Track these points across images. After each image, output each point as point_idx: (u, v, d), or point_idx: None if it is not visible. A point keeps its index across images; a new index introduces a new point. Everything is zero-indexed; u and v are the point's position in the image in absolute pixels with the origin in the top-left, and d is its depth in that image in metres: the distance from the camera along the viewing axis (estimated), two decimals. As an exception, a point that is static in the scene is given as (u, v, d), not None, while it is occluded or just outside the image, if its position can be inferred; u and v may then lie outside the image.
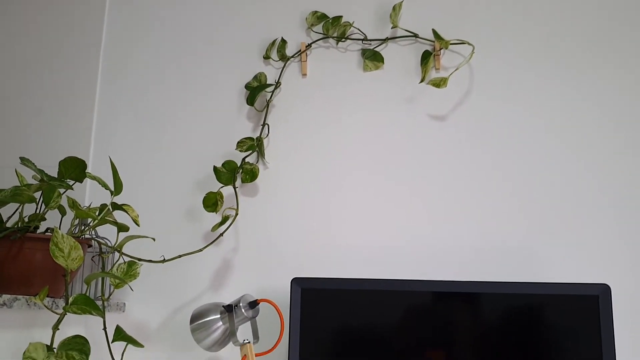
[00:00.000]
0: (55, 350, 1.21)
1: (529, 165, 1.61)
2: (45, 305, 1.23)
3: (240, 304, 1.40)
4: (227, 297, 1.68)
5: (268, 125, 1.71)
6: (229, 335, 1.44)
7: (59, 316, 1.26)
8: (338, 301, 1.43)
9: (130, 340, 1.35)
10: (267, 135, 1.71)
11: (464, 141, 1.64)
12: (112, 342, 1.34)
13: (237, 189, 1.67)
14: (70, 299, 1.23)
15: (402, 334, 1.39)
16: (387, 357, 1.38)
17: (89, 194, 1.74)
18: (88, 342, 1.19)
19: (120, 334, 1.35)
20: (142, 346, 1.36)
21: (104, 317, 1.20)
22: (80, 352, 1.18)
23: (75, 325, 1.47)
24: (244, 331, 1.61)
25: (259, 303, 1.40)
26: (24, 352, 1.20)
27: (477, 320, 1.38)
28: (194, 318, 1.44)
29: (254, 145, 1.66)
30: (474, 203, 1.61)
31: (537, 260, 1.56)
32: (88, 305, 1.23)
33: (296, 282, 1.45)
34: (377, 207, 1.64)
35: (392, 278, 1.58)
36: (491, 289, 1.39)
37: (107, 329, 1.36)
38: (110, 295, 1.42)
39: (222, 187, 1.65)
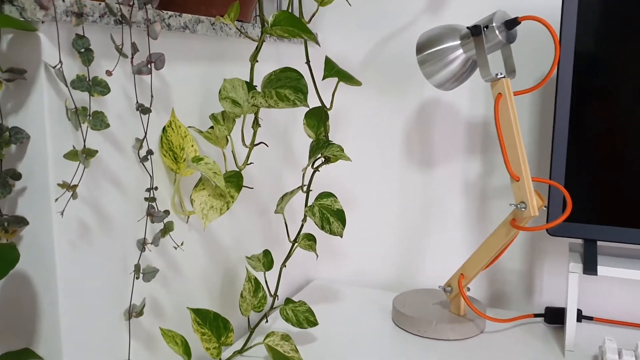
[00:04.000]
0: (257, 88, 0.91)
1: None
2: (237, 28, 0.90)
3: (494, 24, 0.99)
4: (450, 22, 1.27)
5: None
6: (470, 67, 1.06)
7: (256, 43, 0.94)
8: (634, 15, 0.98)
9: (345, 77, 1.02)
10: None
11: None
12: (322, 79, 1.01)
13: None
14: (271, 19, 0.89)
15: None
16: None
17: None
18: (303, 77, 0.87)
19: (332, 69, 1.01)
20: (359, 84, 1.02)
21: (317, 43, 0.85)
22: (295, 89, 0.86)
23: (269, 62, 1.15)
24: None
25: (520, 22, 0.99)
26: (220, 91, 0.91)
27: None
28: (423, 46, 1.07)
29: None
30: None
31: None
32: (294, 25, 0.88)
33: (572, -10, 1.00)
34: None
35: None
36: None
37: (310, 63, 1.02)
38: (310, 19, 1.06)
39: None
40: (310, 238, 1.10)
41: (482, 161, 1.28)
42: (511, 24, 0.99)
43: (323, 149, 1.05)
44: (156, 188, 0.83)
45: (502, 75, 1.01)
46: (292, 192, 1.09)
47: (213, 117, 0.95)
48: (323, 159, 1.08)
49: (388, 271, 1.39)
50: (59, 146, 0.71)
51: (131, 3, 0.77)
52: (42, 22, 0.68)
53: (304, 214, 1.09)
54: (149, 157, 0.82)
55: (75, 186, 0.68)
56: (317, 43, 0.86)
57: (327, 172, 1.41)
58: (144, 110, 0.80)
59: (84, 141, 0.71)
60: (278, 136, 1.24)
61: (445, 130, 1.30)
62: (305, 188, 1.10)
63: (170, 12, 0.86)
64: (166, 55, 0.89)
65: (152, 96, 0.82)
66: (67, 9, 0.69)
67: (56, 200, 0.69)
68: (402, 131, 1.33)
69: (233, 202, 0.86)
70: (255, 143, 0.97)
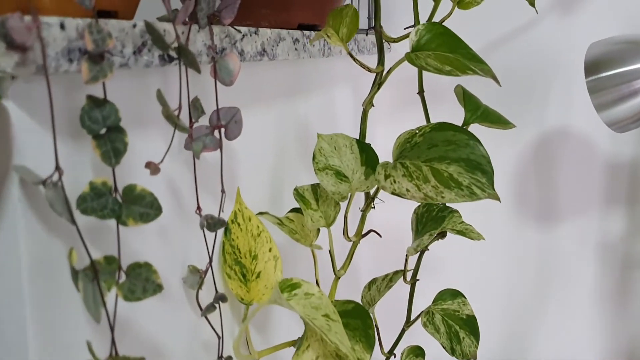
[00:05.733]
0: (377, 150, 0.53)
1: None
2: (352, 56, 0.51)
3: None
4: (590, 23, 0.90)
5: None
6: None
7: (373, 74, 0.56)
8: None
9: (495, 120, 0.65)
10: None
11: None
12: (464, 125, 0.64)
13: None
14: (413, 37, 0.51)
15: None
16: None
17: None
18: (477, 140, 0.49)
19: (477, 109, 0.64)
20: (512, 126, 0.66)
21: (497, 82, 0.47)
22: (469, 165, 0.48)
23: (306, 85, 0.77)
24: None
25: None
26: (314, 157, 0.54)
27: None
28: (598, 66, 0.72)
29: None
30: None
31: None
32: (456, 49, 0.50)
33: None
34: None
35: None
36: None
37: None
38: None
39: None
40: (419, 352, 0.74)
41: (628, 216, 0.93)
42: None
43: (441, 221, 0.69)
44: (229, 359, 0.45)
45: None
46: (388, 280, 0.73)
47: (299, 195, 0.58)
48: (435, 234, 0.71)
49: (489, 357, 1.03)
50: (51, 347, 0.33)
51: (187, 20, 0.39)
52: (12, 79, 0.29)
53: (406, 318, 0.73)
54: (217, 305, 0.44)
55: None
56: (498, 82, 0.49)
57: (402, 221, 1.03)
58: (211, 224, 0.41)
59: (112, 331, 0.32)
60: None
61: (575, 173, 0.94)
62: (409, 276, 0.74)
63: (242, 29, 0.47)
64: (235, 102, 0.51)
65: (223, 191, 0.43)
66: (69, 45, 0.30)
67: None
68: (512, 173, 0.97)
69: (363, 370, 0.49)
70: (363, 233, 0.60)
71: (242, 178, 0.55)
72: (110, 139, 0.33)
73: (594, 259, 0.95)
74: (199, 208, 0.42)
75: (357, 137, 0.58)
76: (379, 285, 0.75)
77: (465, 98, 0.64)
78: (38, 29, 0.28)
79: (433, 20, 0.58)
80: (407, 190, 0.48)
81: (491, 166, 0.48)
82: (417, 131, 0.51)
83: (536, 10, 0.60)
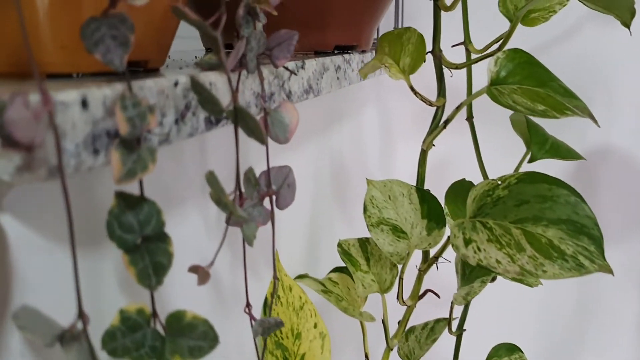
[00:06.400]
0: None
1: None
2: (416, 92, 0.42)
3: None
4: (633, 41, 0.82)
5: None
6: None
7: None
8: None
9: (565, 154, 0.56)
10: None
11: None
12: (529, 162, 0.54)
13: None
14: (492, 67, 0.41)
15: None
16: None
17: None
18: (579, 195, 0.40)
19: (544, 141, 0.55)
20: (581, 158, 0.57)
21: (595, 121, 0.38)
22: (573, 228, 0.39)
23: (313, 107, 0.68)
24: None
25: None
26: (365, 208, 0.45)
27: None
28: None
29: None
30: None
31: None
32: (545, 83, 0.41)
33: None
34: None
35: None
36: None
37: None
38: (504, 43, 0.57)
39: None
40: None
41: (677, 242, 0.84)
42: None
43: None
44: None
45: None
46: (429, 330, 0.64)
47: (345, 253, 0.48)
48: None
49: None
50: None
51: (237, 65, 0.29)
52: (12, 185, 0.19)
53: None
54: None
55: None
56: (597, 123, 0.40)
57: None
58: (267, 329, 0.32)
59: None
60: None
61: (618, 195, 0.86)
62: (455, 327, 0.64)
63: (289, 65, 0.37)
64: (275, 150, 0.41)
65: (275, 278, 0.33)
66: (94, 130, 0.20)
67: None
68: (550, 196, 0.88)
69: None
70: (420, 294, 0.51)
71: (281, 240, 0.45)
72: (148, 250, 0.23)
73: (638, 290, 0.87)
74: (248, 305, 0.32)
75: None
76: (419, 336, 0.65)
77: (530, 129, 0.55)
78: (50, 114, 0.18)
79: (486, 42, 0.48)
80: (498, 261, 0.39)
81: (599, 229, 0.39)
82: (499, 182, 0.42)
83: (630, 32, 0.51)
